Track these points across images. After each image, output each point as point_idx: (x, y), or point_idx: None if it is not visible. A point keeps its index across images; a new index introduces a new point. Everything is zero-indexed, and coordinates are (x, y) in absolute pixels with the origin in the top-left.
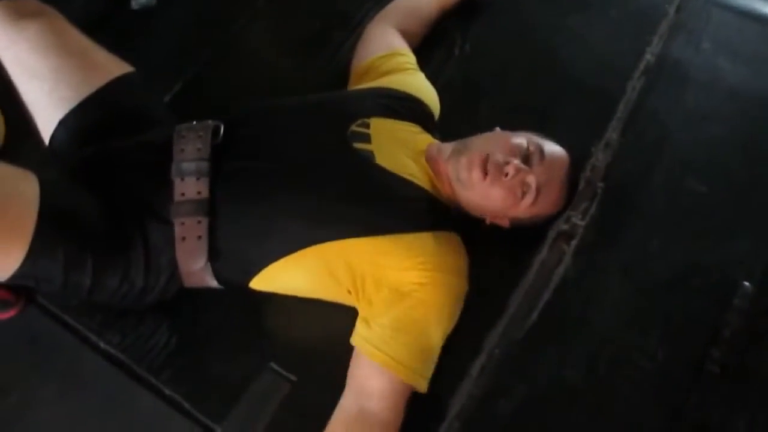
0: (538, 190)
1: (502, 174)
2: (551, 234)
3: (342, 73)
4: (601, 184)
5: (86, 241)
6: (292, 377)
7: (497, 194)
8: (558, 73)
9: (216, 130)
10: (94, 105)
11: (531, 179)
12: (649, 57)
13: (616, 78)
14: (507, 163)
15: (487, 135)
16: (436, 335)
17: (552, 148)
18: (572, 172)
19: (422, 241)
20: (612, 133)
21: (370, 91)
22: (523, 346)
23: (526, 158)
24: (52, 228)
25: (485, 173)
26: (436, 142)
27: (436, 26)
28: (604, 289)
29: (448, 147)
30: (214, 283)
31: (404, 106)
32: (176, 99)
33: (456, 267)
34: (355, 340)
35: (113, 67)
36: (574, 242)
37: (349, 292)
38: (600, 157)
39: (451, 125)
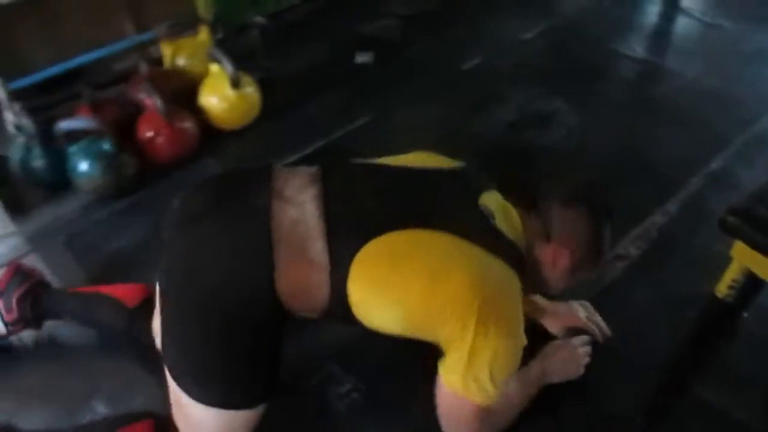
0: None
1: None
2: (610, 255)
3: (489, 130)
4: (654, 234)
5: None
6: None
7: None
8: (635, 162)
9: None
10: None
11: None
12: (714, 166)
13: (683, 173)
14: None
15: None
16: None
17: None
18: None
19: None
20: (670, 206)
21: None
22: None
23: None
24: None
25: None
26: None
27: None
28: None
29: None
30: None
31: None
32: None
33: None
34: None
35: None
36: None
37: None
38: (657, 220)
39: None
